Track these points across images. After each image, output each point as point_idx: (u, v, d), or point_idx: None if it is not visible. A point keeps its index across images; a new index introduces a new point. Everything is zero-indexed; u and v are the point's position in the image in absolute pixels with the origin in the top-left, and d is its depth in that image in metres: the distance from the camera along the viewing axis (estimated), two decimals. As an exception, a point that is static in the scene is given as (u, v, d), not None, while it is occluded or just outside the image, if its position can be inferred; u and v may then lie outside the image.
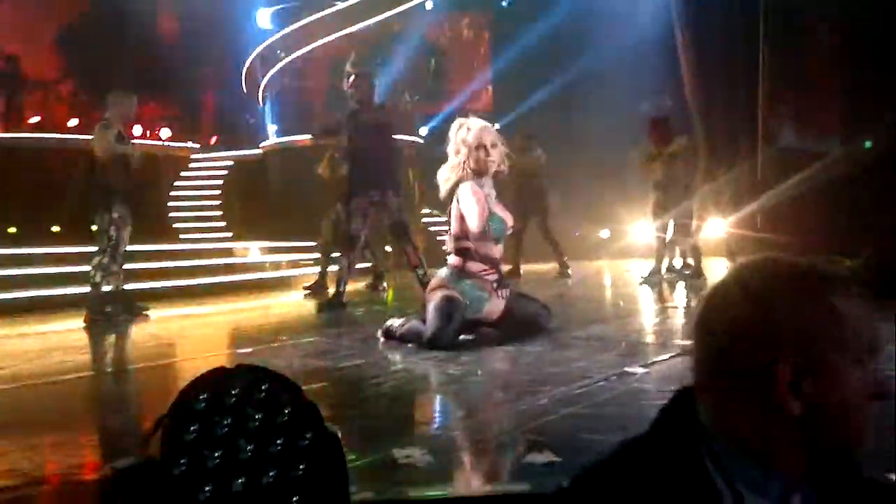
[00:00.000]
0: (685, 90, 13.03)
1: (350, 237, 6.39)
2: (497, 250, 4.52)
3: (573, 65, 12.88)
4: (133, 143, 6.55)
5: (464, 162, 4.48)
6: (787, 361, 0.86)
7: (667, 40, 13.04)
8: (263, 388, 1.20)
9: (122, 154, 6.21)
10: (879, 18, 10.81)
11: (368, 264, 8.32)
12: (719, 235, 10.16)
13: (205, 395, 1.16)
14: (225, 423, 1.13)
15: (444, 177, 4.56)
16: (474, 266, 4.44)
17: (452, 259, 4.49)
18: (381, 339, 4.58)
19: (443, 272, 4.50)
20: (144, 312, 6.51)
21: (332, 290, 8.10)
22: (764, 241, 11.55)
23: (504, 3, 15.39)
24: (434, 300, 4.32)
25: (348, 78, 6.78)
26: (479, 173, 4.49)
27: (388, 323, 4.63)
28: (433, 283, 4.50)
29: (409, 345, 4.33)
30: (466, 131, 4.51)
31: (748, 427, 0.89)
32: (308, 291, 8.23)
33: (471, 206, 4.39)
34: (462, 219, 4.45)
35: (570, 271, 9.08)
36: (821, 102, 12.59)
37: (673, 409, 0.97)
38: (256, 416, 1.17)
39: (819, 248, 10.39)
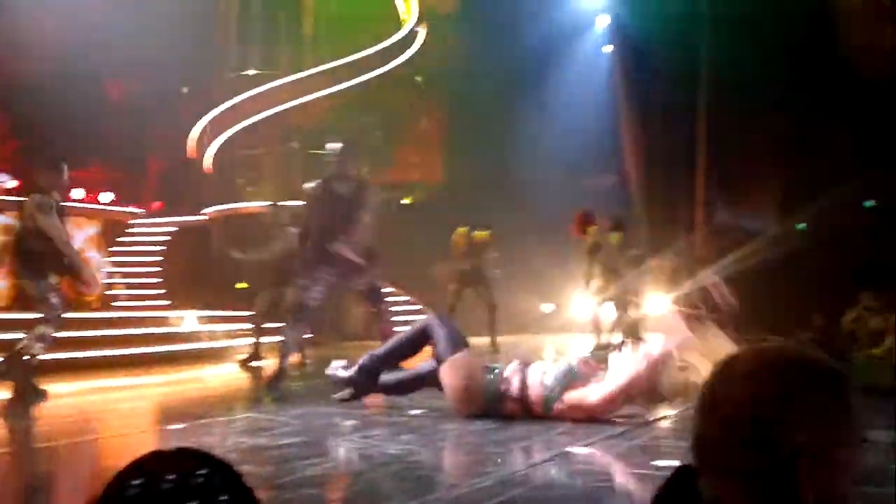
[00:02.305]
0: (627, 168, 13.48)
1: (304, 306, 5.96)
2: None
3: (523, 140, 13.22)
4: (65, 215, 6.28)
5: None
6: (809, 454, 0.90)
7: (611, 119, 13.54)
8: (201, 473, 1.16)
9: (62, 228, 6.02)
10: (815, 105, 11.44)
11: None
12: (661, 313, 10.31)
13: (138, 482, 1.12)
14: (159, 511, 1.08)
15: None
16: None
17: None
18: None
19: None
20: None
21: (271, 362, 7.94)
22: (703, 318, 11.81)
23: (418, 79, 15.81)
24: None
25: (334, 148, 6.48)
26: None
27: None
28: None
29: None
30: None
31: None
32: (242, 363, 8.02)
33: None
34: None
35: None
36: (757, 184, 13.12)
37: (675, 486, 0.99)
38: (192, 504, 1.12)
39: (754, 327, 10.68)
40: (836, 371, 0.95)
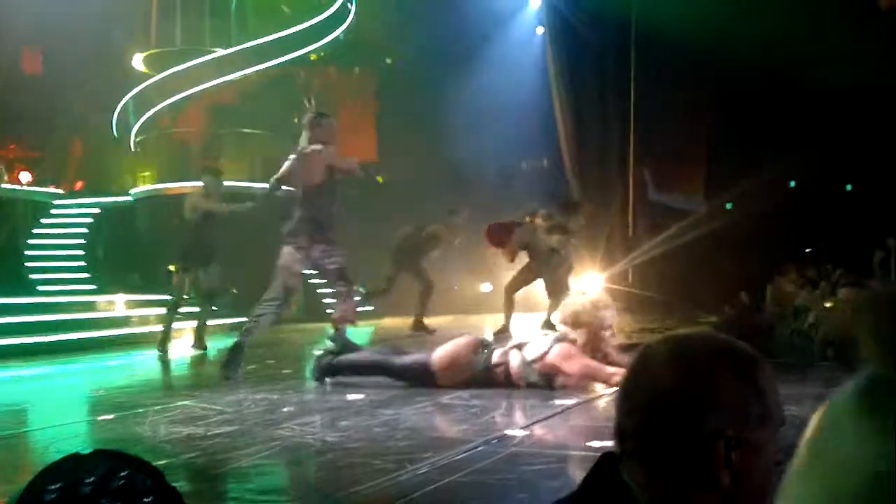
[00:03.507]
0: (561, 149, 13.61)
1: (290, 288, 5.85)
2: None
3: (456, 121, 13.18)
4: None
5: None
6: (724, 436, 0.92)
7: (545, 100, 13.61)
8: (122, 475, 1.11)
9: None
10: (741, 92, 11.73)
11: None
12: (596, 290, 10.47)
13: (56, 486, 1.07)
14: (79, 515, 1.04)
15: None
16: None
17: None
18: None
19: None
20: None
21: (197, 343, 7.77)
22: (635, 295, 12.08)
23: (388, 61, 15.63)
24: None
25: (312, 117, 6.06)
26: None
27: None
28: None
29: None
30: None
31: (677, 495, 0.94)
32: (161, 352, 7.60)
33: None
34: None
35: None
36: (686, 165, 13.42)
37: (599, 473, 1.00)
38: (113, 507, 1.07)
39: (683, 302, 10.99)
40: (749, 354, 0.98)
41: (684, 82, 12.62)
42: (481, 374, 4.65)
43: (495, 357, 4.66)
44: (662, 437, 0.95)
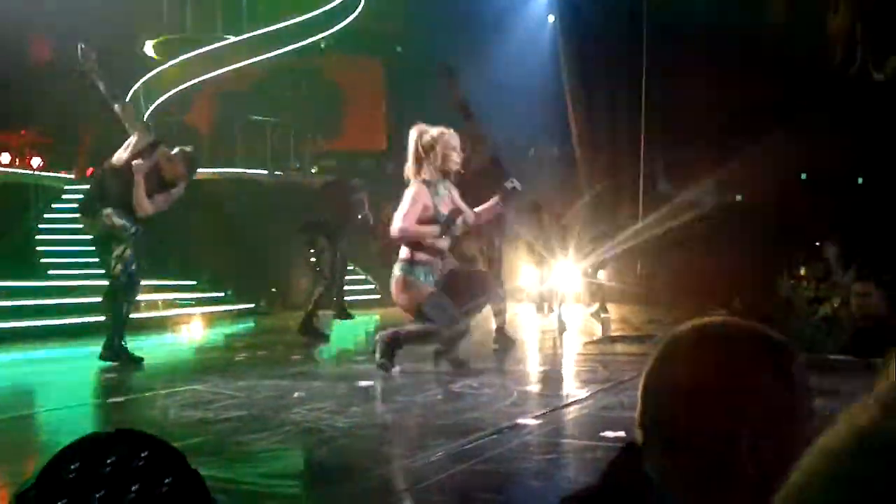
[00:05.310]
0: (572, 139, 13.56)
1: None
2: (443, 242, 4.90)
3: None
4: None
5: (427, 164, 4.87)
6: (749, 428, 0.89)
7: (555, 89, 13.54)
8: (143, 455, 1.11)
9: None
10: (752, 83, 11.64)
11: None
12: (602, 280, 10.43)
13: (76, 465, 1.06)
14: (98, 495, 1.04)
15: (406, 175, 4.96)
16: (422, 255, 4.80)
17: (403, 252, 4.84)
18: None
19: (396, 269, 4.85)
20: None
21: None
22: (643, 286, 12.04)
23: (398, 49, 15.56)
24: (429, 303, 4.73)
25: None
26: (443, 174, 4.88)
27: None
28: (398, 284, 4.80)
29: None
30: (431, 137, 4.90)
31: (702, 487, 0.92)
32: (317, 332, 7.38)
33: (405, 206, 4.80)
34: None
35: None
36: (697, 156, 13.34)
37: (621, 464, 0.98)
38: (133, 488, 1.07)
39: (690, 293, 10.95)
40: (780, 343, 0.95)
41: (696, 72, 12.54)
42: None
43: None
44: (688, 427, 0.92)
